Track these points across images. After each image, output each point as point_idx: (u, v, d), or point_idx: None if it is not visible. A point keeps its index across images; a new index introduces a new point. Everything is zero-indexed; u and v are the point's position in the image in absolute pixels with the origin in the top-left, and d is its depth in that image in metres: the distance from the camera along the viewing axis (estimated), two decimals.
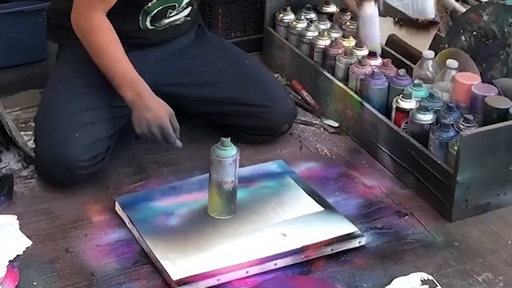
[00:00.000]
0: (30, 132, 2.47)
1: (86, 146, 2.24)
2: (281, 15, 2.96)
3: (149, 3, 2.31)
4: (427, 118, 2.34)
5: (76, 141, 2.23)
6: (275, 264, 2.03)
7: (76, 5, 2.26)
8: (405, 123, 2.40)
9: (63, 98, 2.31)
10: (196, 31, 2.58)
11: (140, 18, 2.35)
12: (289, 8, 2.95)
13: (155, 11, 2.34)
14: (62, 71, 2.42)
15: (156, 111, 2.25)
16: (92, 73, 2.28)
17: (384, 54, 2.73)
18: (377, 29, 2.69)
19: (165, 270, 1.98)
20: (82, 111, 2.27)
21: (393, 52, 2.76)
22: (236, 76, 2.49)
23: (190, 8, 2.44)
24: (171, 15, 2.40)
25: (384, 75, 2.52)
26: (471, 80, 2.41)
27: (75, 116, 2.27)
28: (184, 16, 2.45)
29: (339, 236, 2.10)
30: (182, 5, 2.38)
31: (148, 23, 2.37)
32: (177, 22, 2.45)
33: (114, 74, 2.26)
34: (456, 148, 2.20)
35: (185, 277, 1.96)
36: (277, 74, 2.92)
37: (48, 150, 2.25)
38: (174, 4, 2.36)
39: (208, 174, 2.14)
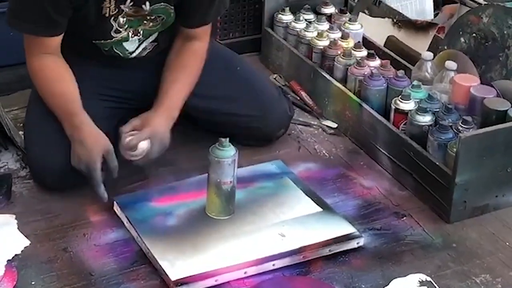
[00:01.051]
0: None
1: None
2: (280, 15, 2.96)
3: (95, 41, 2.27)
4: (425, 119, 2.34)
5: (65, 146, 2.21)
6: (273, 265, 2.03)
7: (25, 47, 2.26)
8: (403, 125, 2.40)
9: None
10: None
11: (100, 48, 2.31)
12: (287, 8, 2.95)
13: (106, 49, 2.30)
14: None
15: (88, 148, 2.16)
16: (81, 76, 2.27)
17: (383, 55, 2.73)
18: None
19: (163, 270, 1.98)
20: None
21: (392, 54, 2.76)
22: (227, 87, 2.45)
23: (156, 34, 2.35)
24: (129, 49, 2.33)
25: (383, 76, 2.52)
26: (470, 81, 2.41)
27: None
28: (151, 43, 2.36)
29: (337, 237, 2.11)
30: (133, 42, 2.31)
31: (114, 54, 2.33)
32: (146, 52, 2.37)
33: (54, 108, 2.24)
34: (454, 149, 2.20)
35: (183, 278, 1.96)
36: (275, 75, 2.92)
37: (38, 156, 2.25)
38: (121, 44, 2.30)
39: (206, 174, 2.14)
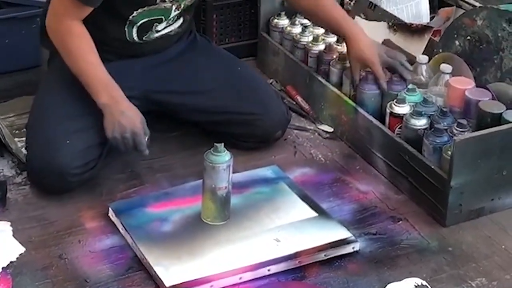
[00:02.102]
0: (24, 139, 2.46)
1: (77, 152, 2.23)
2: (276, 20, 2.95)
3: (133, 13, 2.28)
4: (421, 123, 2.34)
5: (67, 148, 2.23)
6: (269, 270, 2.03)
7: (52, 8, 2.26)
8: (399, 128, 2.40)
9: (54, 105, 2.31)
10: (187, 38, 2.57)
11: (126, 30, 2.33)
12: (283, 13, 2.95)
13: (140, 22, 2.32)
14: (53, 78, 2.41)
15: (131, 117, 2.24)
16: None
17: None
18: None
19: (158, 277, 1.98)
20: (73, 118, 2.27)
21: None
22: (228, 84, 2.48)
23: (182, 19, 2.42)
24: (159, 28, 2.37)
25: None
26: (465, 84, 2.41)
27: (66, 123, 2.26)
28: (177, 28, 2.43)
29: (333, 242, 2.10)
30: (170, 18, 2.36)
31: (135, 36, 2.35)
32: (169, 34, 2.43)
33: (87, 77, 2.25)
34: (449, 153, 2.20)
35: (179, 284, 1.96)
36: (271, 80, 2.92)
37: (40, 158, 2.24)
38: (160, 17, 2.33)
39: (201, 180, 2.14)
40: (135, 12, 2.29)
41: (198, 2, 2.45)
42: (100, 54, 2.30)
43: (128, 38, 2.35)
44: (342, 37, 2.56)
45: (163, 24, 2.37)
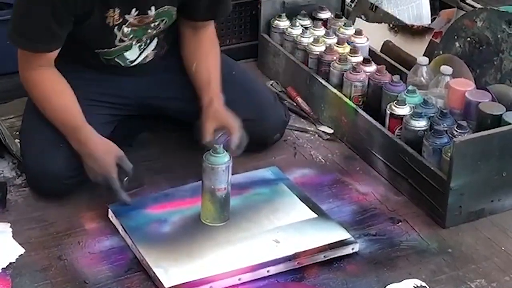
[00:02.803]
0: None
1: (71, 156, 2.23)
2: (276, 21, 2.95)
3: (96, 51, 2.27)
4: (421, 124, 2.34)
5: (60, 152, 2.22)
6: (268, 271, 2.03)
7: (19, 62, 2.26)
8: (399, 130, 2.40)
9: None
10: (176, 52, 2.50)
11: (101, 59, 2.31)
12: (284, 14, 2.95)
13: (106, 58, 2.30)
14: None
15: (100, 160, 2.17)
16: (76, 82, 2.27)
17: (378, 60, 2.73)
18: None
19: (157, 278, 1.98)
20: None
21: (388, 58, 2.76)
22: (223, 91, 2.43)
23: (155, 42, 2.37)
24: (129, 58, 2.34)
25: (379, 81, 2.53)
26: (465, 86, 2.41)
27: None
28: (152, 51, 2.38)
29: (332, 243, 2.10)
30: (132, 49, 2.31)
31: (112, 63, 2.33)
32: (148, 60, 2.38)
33: (57, 123, 2.24)
34: (449, 154, 2.19)
35: (178, 285, 1.96)
36: (272, 81, 2.91)
37: (35, 163, 2.25)
38: (122, 52, 2.30)
39: (201, 181, 2.14)
40: (98, 50, 2.28)
41: (171, 26, 2.36)
42: (89, 71, 2.32)
43: (106, 64, 2.34)
44: (201, 98, 2.37)
45: (132, 55, 2.34)
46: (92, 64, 2.35)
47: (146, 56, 2.38)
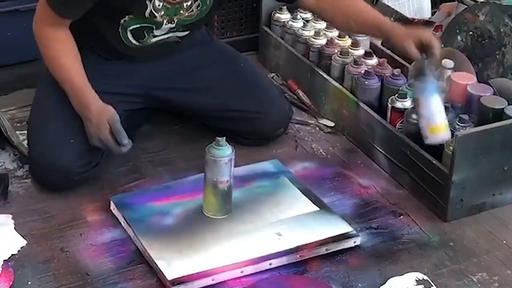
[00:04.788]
0: (26, 132, 2.46)
1: (81, 152, 2.23)
2: (277, 14, 2.95)
3: (125, 18, 2.25)
4: None
5: (70, 147, 2.23)
6: (270, 264, 2.03)
7: (36, 12, 2.26)
8: (400, 123, 2.40)
9: (55, 104, 2.29)
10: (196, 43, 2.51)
11: (120, 32, 2.29)
12: (285, 7, 2.94)
13: (131, 27, 2.28)
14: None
15: (96, 123, 2.19)
16: (89, 75, 2.26)
17: (380, 54, 2.73)
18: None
19: (159, 270, 1.98)
20: (75, 117, 2.25)
21: (389, 52, 2.76)
22: (230, 82, 2.47)
23: (187, 32, 2.37)
24: (156, 33, 2.32)
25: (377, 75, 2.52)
26: (467, 80, 2.41)
27: (68, 122, 2.25)
28: (177, 37, 2.37)
29: (334, 236, 2.11)
30: (163, 28, 2.30)
31: (132, 39, 2.32)
32: (167, 41, 2.37)
33: (61, 82, 2.25)
34: (451, 148, 2.20)
35: (180, 277, 1.96)
36: (273, 74, 2.92)
37: (42, 157, 2.24)
38: (151, 26, 2.29)
39: (203, 173, 2.14)
40: (126, 17, 2.26)
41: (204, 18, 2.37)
42: (100, 55, 2.32)
43: (125, 42, 2.32)
44: (383, 36, 2.40)
45: (159, 31, 2.33)
46: (111, 46, 2.33)
47: (168, 38, 2.37)
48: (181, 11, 2.28)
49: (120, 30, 2.29)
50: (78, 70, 2.25)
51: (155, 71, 2.43)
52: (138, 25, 2.28)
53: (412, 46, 2.20)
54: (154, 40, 2.34)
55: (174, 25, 2.31)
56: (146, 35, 2.32)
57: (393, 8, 2.97)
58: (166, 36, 2.35)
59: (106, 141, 2.19)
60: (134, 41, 2.33)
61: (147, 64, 2.42)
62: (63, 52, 2.26)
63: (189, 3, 2.27)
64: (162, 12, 2.25)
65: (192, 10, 2.30)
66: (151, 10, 2.23)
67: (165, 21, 2.28)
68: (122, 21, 2.26)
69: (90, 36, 2.32)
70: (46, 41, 2.26)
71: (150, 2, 2.22)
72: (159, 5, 2.23)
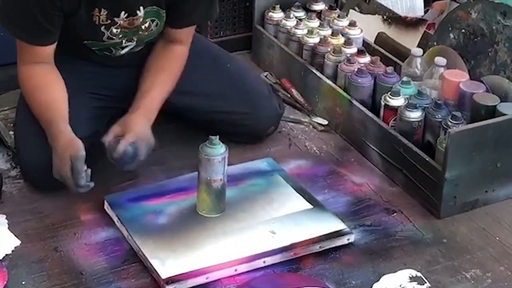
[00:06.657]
0: None
1: None
2: (270, 13, 2.95)
3: (85, 42, 2.25)
4: (415, 115, 2.34)
5: None
6: (264, 262, 2.04)
7: (17, 52, 2.25)
8: (393, 121, 2.41)
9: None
10: None
11: (87, 50, 2.29)
12: (278, 6, 2.95)
13: (95, 49, 2.28)
14: None
15: (59, 157, 2.12)
16: (71, 75, 2.26)
17: (373, 52, 2.73)
18: None
19: (154, 269, 1.98)
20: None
21: (382, 50, 2.76)
22: (217, 84, 2.45)
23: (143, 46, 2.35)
24: (123, 46, 2.30)
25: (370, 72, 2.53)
26: (459, 77, 2.41)
27: None
28: (142, 47, 2.35)
29: (327, 234, 2.11)
30: (125, 46, 2.29)
31: (101, 54, 2.31)
32: (141, 49, 2.35)
33: (38, 117, 2.22)
34: (444, 145, 2.20)
35: (174, 276, 1.96)
36: (266, 73, 2.92)
37: (34, 157, 2.24)
38: (111, 48, 2.29)
39: (197, 172, 2.14)
40: (85, 41, 2.25)
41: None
42: (84, 63, 2.31)
43: (97, 54, 2.31)
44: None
45: (124, 49, 2.32)
46: (86, 54, 2.33)
47: (142, 48, 2.36)
48: (140, 32, 2.28)
49: (86, 49, 2.29)
50: (52, 103, 2.20)
51: (136, 72, 2.38)
52: (100, 47, 2.29)
53: (113, 132, 2.18)
54: (124, 51, 2.33)
55: (134, 43, 2.31)
56: (114, 50, 2.31)
57: (386, 7, 2.98)
58: (136, 48, 2.34)
59: (65, 177, 2.12)
60: (104, 54, 2.32)
61: (130, 69, 2.38)
62: (37, 88, 2.22)
63: (147, 25, 2.27)
64: (121, 36, 2.25)
65: (152, 30, 2.29)
66: (108, 36, 2.24)
67: (123, 41, 2.28)
68: (84, 42, 2.26)
69: (70, 47, 2.30)
70: (21, 79, 2.25)
71: (107, 31, 2.22)
72: (116, 31, 2.24)
